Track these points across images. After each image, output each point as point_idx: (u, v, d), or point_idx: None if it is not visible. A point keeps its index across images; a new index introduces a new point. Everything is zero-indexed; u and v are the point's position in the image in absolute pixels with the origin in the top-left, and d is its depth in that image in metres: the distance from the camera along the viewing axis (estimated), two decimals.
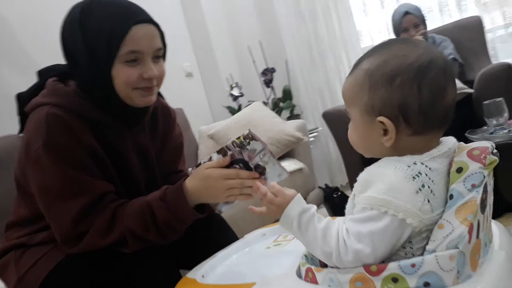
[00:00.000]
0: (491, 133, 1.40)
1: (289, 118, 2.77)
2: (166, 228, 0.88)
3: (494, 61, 2.32)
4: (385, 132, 0.59)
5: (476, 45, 2.27)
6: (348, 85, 0.64)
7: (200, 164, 0.90)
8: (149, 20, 0.89)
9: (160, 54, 0.93)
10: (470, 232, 0.52)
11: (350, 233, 0.57)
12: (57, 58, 0.97)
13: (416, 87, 0.56)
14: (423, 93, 0.56)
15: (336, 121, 2.21)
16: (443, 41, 2.25)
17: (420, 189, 0.55)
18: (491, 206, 0.61)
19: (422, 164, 0.57)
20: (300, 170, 2.00)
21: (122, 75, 0.87)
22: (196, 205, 0.90)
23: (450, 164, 0.58)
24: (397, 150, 0.59)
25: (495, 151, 0.59)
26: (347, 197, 2.40)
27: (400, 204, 0.54)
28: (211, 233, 1.05)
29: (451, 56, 2.14)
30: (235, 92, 2.86)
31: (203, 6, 3.01)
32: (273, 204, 0.68)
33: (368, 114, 0.60)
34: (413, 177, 0.55)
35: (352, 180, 2.23)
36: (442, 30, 2.39)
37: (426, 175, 0.56)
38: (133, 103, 0.92)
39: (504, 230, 0.67)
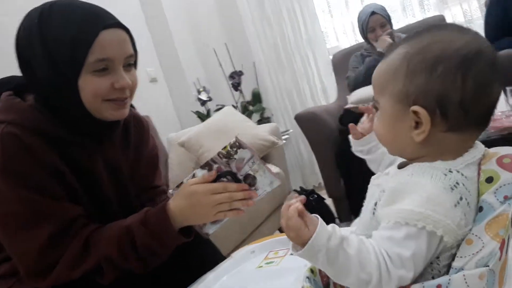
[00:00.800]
0: None
1: (259, 122, 2.72)
2: (148, 255, 0.80)
3: None
4: (417, 125, 0.53)
5: None
6: (380, 71, 0.57)
7: (182, 183, 0.82)
8: (118, 24, 0.80)
9: (131, 62, 0.84)
10: (501, 248, 0.48)
11: (391, 256, 0.49)
12: (12, 69, 0.86)
13: (460, 78, 0.50)
14: (467, 85, 0.50)
15: (308, 123, 2.19)
16: None
17: (458, 202, 0.49)
18: None
19: (458, 172, 0.51)
20: (276, 174, 1.95)
21: (91, 86, 0.77)
22: (181, 227, 0.82)
23: (478, 172, 0.53)
24: (427, 148, 0.54)
25: None
26: (323, 199, 2.35)
27: (440, 219, 0.47)
28: (196, 254, 0.97)
29: None
30: (203, 96, 2.78)
31: (165, 9, 2.91)
32: (293, 230, 0.53)
33: (401, 103, 0.53)
34: (452, 188, 0.49)
35: (327, 182, 2.21)
36: (407, 30, 2.42)
37: (463, 185, 0.50)
38: (102, 117, 0.82)
39: None
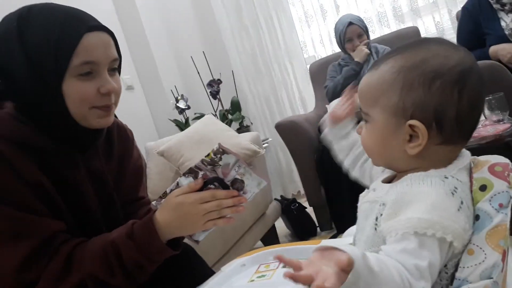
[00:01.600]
0: None
1: (238, 130, 2.71)
2: (135, 270, 0.77)
3: None
4: (411, 138, 0.53)
5: None
6: (371, 82, 0.56)
7: (166, 193, 0.80)
8: (102, 27, 0.78)
9: (115, 66, 0.82)
10: (503, 259, 0.49)
11: (409, 269, 0.47)
12: None
13: (456, 93, 0.51)
14: (463, 100, 0.51)
15: (289, 132, 2.20)
16: (386, 50, 2.33)
17: (460, 206, 0.50)
18: None
19: (453, 177, 0.52)
20: (262, 175, 1.94)
21: (77, 91, 0.74)
22: (169, 240, 0.80)
23: (470, 180, 0.55)
24: (419, 160, 0.54)
25: None
26: (305, 208, 2.36)
27: (448, 224, 0.47)
28: (184, 267, 0.94)
29: None
30: (181, 104, 2.74)
31: (141, 16, 2.86)
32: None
33: (396, 116, 0.53)
34: (452, 193, 0.50)
35: (307, 190, 2.22)
36: (382, 40, 2.49)
37: (461, 189, 0.51)
38: (88, 125, 0.79)
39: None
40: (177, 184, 0.80)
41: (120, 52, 0.83)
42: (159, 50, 2.96)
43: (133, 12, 2.85)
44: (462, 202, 0.50)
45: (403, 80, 0.53)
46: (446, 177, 0.52)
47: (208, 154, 0.76)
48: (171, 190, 0.79)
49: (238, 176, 0.77)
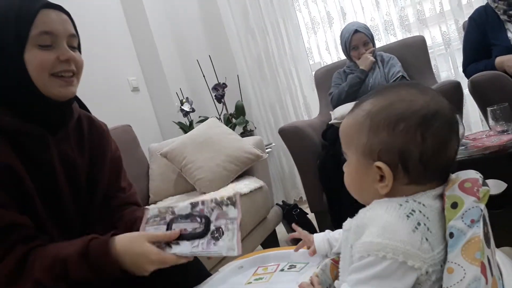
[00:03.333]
0: None
1: (242, 134, 2.71)
2: (83, 283, 0.77)
3: (435, 75, 2.46)
4: (381, 178, 0.56)
5: (420, 63, 2.38)
6: (346, 124, 0.61)
7: (150, 219, 0.83)
8: (59, 7, 0.84)
9: (75, 45, 0.86)
10: (484, 272, 0.49)
11: (348, 283, 0.52)
12: None
13: (420, 135, 0.53)
14: (426, 142, 0.53)
15: (292, 137, 2.20)
16: (391, 59, 2.33)
17: (416, 228, 0.51)
18: (492, 236, 0.58)
19: (415, 201, 0.54)
20: (260, 188, 1.94)
21: (37, 59, 0.79)
22: None
23: (443, 199, 0.56)
24: (391, 196, 0.56)
25: (484, 181, 0.57)
26: (306, 213, 2.38)
27: (398, 245, 0.49)
28: (180, 269, 0.94)
29: (400, 74, 2.22)
30: (186, 107, 2.75)
31: (149, 19, 2.89)
32: None
33: (365, 157, 0.57)
34: (407, 216, 0.52)
35: (309, 196, 2.22)
36: (388, 49, 2.48)
37: (420, 212, 0.53)
38: (51, 95, 0.82)
39: (506, 258, 0.65)
40: (172, 210, 0.82)
41: (77, 32, 0.88)
42: (166, 53, 2.98)
43: (141, 14, 2.88)
44: (419, 224, 0.51)
45: (370, 122, 0.56)
46: (406, 201, 0.53)
47: (222, 196, 0.79)
48: (162, 218, 0.82)
49: (223, 227, 0.77)
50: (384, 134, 0.55)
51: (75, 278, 0.75)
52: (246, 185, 1.86)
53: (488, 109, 1.41)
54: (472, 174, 0.57)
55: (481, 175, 0.57)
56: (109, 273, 0.77)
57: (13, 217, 0.76)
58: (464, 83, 1.93)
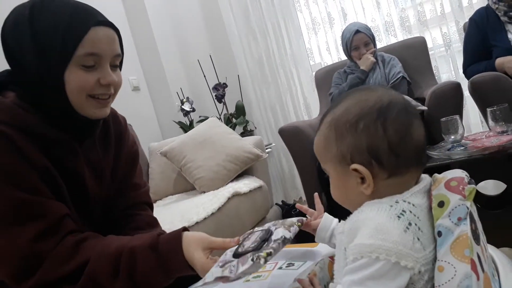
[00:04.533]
0: (449, 149, 1.44)
1: (242, 134, 2.72)
2: (142, 284, 0.76)
3: (436, 77, 2.46)
4: (363, 180, 0.57)
5: (421, 64, 2.39)
6: (317, 142, 0.63)
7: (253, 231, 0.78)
8: (109, 23, 0.81)
9: (117, 63, 0.85)
10: (474, 269, 0.49)
11: (343, 286, 0.52)
12: None
13: (380, 128, 0.55)
14: (388, 132, 0.55)
15: (292, 137, 2.20)
16: (392, 59, 2.34)
17: (407, 228, 0.52)
18: (483, 233, 0.59)
19: (404, 201, 0.55)
20: (259, 188, 1.95)
21: (77, 80, 0.77)
22: None
23: (430, 199, 0.56)
24: (377, 197, 0.57)
25: (470, 179, 0.58)
26: (305, 214, 2.37)
27: (390, 246, 0.50)
28: None
29: (400, 75, 2.23)
30: (186, 107, 2.75)
31: (150, 18, 2.89)
32: None
33: (341, 165, 0.58)
34: (398, 216, 0.52)
35: (309, 196, 2.22)
36: (389, 49, 2.49)
37: (411, 212, 0.54)
38: (85, 114, 0.82)
39: (504, 257, 0.65)
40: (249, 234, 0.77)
41: (123, 49, 0.85)
42: (167, 52, 2.98)
43: (142, 13, 2.88)
44: (410, 224, 0.52)
45: (335, 131, 0.59)
46: (397, 202, 0.54)
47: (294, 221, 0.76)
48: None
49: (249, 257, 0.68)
50: (349, 137, 0.57)
51: (138, 274, 0.75)
52: (245, 184, 1.87)
53: (488, 109, 1.41)
54: (458, 173, 0.59)
55: (467, 174, 0.59)
56: (176, 268, 0.77)
57: (65, 210, 0.78)
58: (465, 85, 1.93)
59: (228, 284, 0.85)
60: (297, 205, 0.91)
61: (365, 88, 0.62)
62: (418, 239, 0.52)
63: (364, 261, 0.51)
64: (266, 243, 0.69)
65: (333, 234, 0.78)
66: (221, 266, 0.69)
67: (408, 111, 0.57)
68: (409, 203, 0.54)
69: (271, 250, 0.66)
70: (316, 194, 0.87)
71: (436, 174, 0.61)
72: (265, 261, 0.64)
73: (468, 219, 0.52)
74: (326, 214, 0.82)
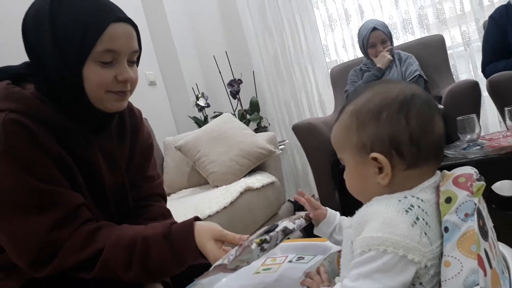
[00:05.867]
0: (464, 148, 1.42)
1: (256, 130, 2.72)
2: (155, 271, 0.79)
3: (454, 77, 2.42)
4: (380, 170, 0.57)
5: (438, 62, 2.35)
6: (336, 131, 0.63)
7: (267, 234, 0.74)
8: (128, 19, 0.82)
9: (135, 59, 0.86)
10: (481, 264, 0.49)
11: (353, 277, 0.53)
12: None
13: (403, 119, 0.56)
14: (411, 123, 0.56)
15: (305, 134, 2.20)
16: (409, 57, 2.31)
17: (415, 222, 0.52)
18: (493, 230, 0.59)
19: (413, 196, 0.55)
20: (272, 183, 1.95)
21: (95, 76, 0.78)
22: None
23: (438, 195, 0.56)
24: (393, 188, 0.57)
25: (479, 176, 0.58)
26: None
27: (398, 240, 0.50)
28: None
29: (417, 73, 2.20)
30: (201, 102, 2.78)
31: (167, 13, 2.92)
32: None
33: (360, 153, 0.58)
34: (406, 211, 0.53)
35: (321, 193, 2.22)
36: (406, 47, 2.46)
37: (419, 207, 0.54)
38: (103, 108, 0.83)
39: None
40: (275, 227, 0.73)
41: (141, 45, 0.86)
42: (183, 48, 3.01)
43: (160, 8, 2.91)
44: (417, 218, 0.53)
45: (356, 120, 0.59)
46: (405, 197, 0.55)
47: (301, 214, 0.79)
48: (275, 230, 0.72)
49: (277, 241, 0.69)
50: (371, 127, 0.57)
51: (152, 263, 0.77)
52: (258, 179, 1.88)
53: (506, 109, 1.39)
54: (467, 169, 0.59)
55: (477, 171, 0.59)
56: (189, 256, 0.79)
57: (81, 200, 0.80)
58: (483, 84, 1.90)
59: (238, 276, 0.87)
60: (296, 197, 0.90)
61: (387, 81, 0.63)
62: (425, 234, 0.52)
63: (372, 254, 0.51)
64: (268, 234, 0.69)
65: (335, 230, 0.79)
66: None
67: (430, 105, 0.58)
68: (417, 198, 0.55)
69: (266, 237, 0.66)
70: (299, 190, 0.88)
71: (445, 171, 0.61)
72: (259, 247, 0.64)
73: (475, 215, 0.52)
74: (330, 209, 0.82)
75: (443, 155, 0.59)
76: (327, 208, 0.82)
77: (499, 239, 0.65)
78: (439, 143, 0.58)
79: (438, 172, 0.61)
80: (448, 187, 0.56)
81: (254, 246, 0.63)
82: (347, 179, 0.63)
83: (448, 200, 0.54)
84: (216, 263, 0.67)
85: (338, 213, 0.82)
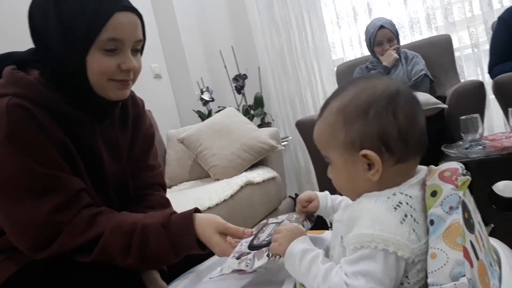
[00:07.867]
0: (467, 148, 1.41)
1: (260, 126, 2.72)
2: (153, 258, 0.80)
3: (461, 79, 2.41)
4: (370, 166, 0.57)
5: (445, 62, 2.34)
6: (320, 129, 0.62)
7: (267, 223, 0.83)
8: (133, 8, 0.82)
9: (139, 48, 0.86)
10: (467, 256, 0.49)
11: (348, 275, 0.54)
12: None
13: (391, 114, 0.56)
14: (399, 119, 0.56)
15: (309, 131, 2.18)
16: (415, 57, 2.30)
17: (403, 219, 0.53)
18: (481, 224, 0.59)
19: (402, 193, 0.55)
20: (273, 179, 1.95)
21: (99, 64, 0.79)
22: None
23: (424, 189, 0.57)
24: (383, 183, 0.58)
25: (465, 171, 0.58)
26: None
27: (388, 236, 0.51)
28: None
29: (423, 72, 2.19)
30: (206, 96, 2.77)
31: (175, 7, 2.92)
32: (277, 241, 0.66)
33: (348, 151, 0.58)
34: (394, 208, 0.53)
35: (323, 189, 2.21)
36: (413, 46, 2.44)
37: (407, 203, 0.54)
38: (106, 96, 0.84)
39: (508, 249, 0.64)
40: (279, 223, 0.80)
41: (145, 34, 0.87)
42: (189, 42, 3.01)
43: (168, 2, 2.91)
44: (406, 215, 0.53)
45: (343, 117, 0.58)
46: (394, 194, 0.55)
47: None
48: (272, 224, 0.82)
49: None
50: (359, 123, 0.57)
51: (150, 250, 0.78)
52: (259, 174, 1.88)
53: (510, 109, 1.38)
54: (453, 164, 0.59)
55: (463, 166, 0.59)
56: (186, 247, 0.80)
57: (81, 185, 0.81)
58: (491, 86, 1.88)
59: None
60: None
61: (369, 76, 0.63)
62: (414, 230, 0.53)
63: (366, 252, 0.52)
64: None
65: (332, 211, 0.81)
66: (237, 258, 0.73)
67: (414, 100, 0.59)
68: (406, 195, 0.55)
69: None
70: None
71: (432, 166, 0.61)
72: (280, 258, 0.67)
73: (460, 208, 0.53)
74: (320, 195, 0.83)
75: (425, 148, 0.60)
76: (316, 193, 0.83)
77: (499, 239, 0.66)
78: (423, 135, 0.59)
79: (424, 168, 0.62)
80: (434, 181, 0.56)
81: (278, 258, 0.67)
82: (334, 177, 0.63)
83: (434, 193, 0.55)
84: (234, 267, 0.71)
85: (328, 195, 0.83)
